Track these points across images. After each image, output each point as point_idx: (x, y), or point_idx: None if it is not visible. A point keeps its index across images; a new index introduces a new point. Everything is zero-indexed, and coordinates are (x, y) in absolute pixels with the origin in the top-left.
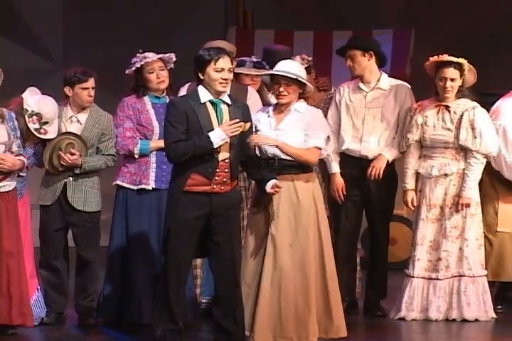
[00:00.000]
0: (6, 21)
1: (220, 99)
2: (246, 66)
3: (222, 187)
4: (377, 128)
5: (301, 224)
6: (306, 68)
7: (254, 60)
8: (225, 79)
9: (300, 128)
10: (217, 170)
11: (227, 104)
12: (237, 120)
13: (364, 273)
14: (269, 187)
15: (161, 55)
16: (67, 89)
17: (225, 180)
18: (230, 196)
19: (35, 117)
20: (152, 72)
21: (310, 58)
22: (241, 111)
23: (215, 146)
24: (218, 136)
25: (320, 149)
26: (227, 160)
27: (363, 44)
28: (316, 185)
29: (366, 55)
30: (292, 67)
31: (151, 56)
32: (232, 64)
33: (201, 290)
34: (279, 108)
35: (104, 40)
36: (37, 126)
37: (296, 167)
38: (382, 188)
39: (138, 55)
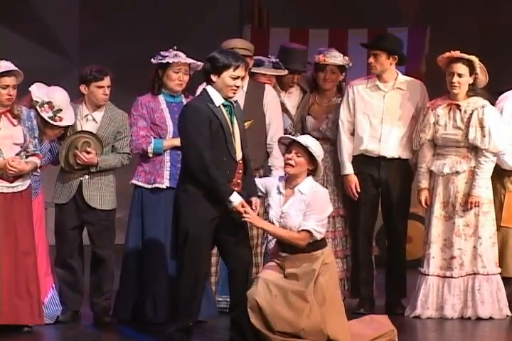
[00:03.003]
0: (23, 20)
1: (229, 101)
2: (265, 66)
3: (237, 188)
4: (395, 128)
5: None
6: (341, 68)
7: (273, 60)
8: (237, 87)
9: (301, 211)
10: (235, 171)
11: (233, 105)
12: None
13: (378, 271)
14: (237, 204)
15: (193, 61)
16: (82, 88)
17: (239, 181)
18: (242, 195)
19: (46, 106)
20: (177, 72)
21: (351, 64)
22: (241, 111)
23: (226, 200)
24: (235, 200)
25: (310, 232)
26: (241, 161)
27: (391, 47)
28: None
29: (391, 58)
30: (310, 141)
31: (183, 57)
32: (246, 70)
33: (217, 288)
34: (289, 182)
35: (120, 39)
36: (50, 114)
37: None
38: (400, 187)
39: (171, 50)
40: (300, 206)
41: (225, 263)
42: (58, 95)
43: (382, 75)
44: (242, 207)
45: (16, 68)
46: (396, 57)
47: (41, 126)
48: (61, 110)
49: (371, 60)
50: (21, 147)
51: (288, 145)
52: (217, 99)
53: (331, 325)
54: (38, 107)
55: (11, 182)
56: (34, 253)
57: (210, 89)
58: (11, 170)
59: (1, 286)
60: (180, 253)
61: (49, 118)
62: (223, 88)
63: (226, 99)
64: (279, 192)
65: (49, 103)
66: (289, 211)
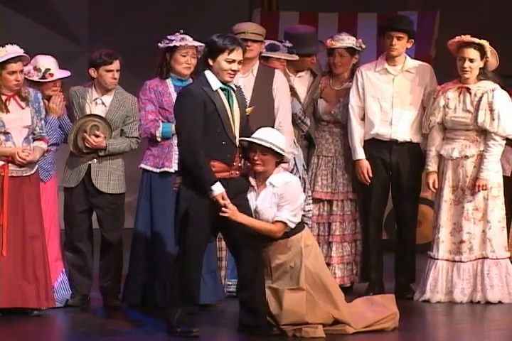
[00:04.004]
0: (33, 5)
1: (228, 85)
2: (281, 51)
3: (237, 172)
4: (406, 111)
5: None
6: (351, 50)
7: (288, 44)
8: (234, 71)
9: (275, 204)
10: (235, 155)
11: (233, 89)
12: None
13: (387, 255)
14: (217, 193)
15: (198, 44)
16: (92, 71)
17: (240, 165)
18: (241, 180)
19: (32, 71)
20: (184, 56)
21: (363, 46)
22: (244, 96)
23: (208, 188)
24: (217, 190)
25: (284, 223)
26: (238, 145)
27: (412, 30)
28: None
29: (409, 41)
30: (271, 136)
31: (190, 40)
32: (242, 56)
33: (226, 272)
34: (259, 177)
35: (129, 23)
36: (40, 75)
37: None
38: (411, 171)
39: (177, 34)
40: (273, 199)
41: (231, 247)
42: (40, 59)
43: (396, 58)
44: (223, 199)
45: (21, 52)
46: (413, 40)
47: (45, 105)
48: (49, 69)
49: (395, 42)
50: (29, 129)
51: (249, 145)
52: (215, 83)
53: (332, 305)
54: (26, 78)
55: (20, 166)
56: (42, 238)
57: (207, 73)
58: (20, 161)
59: (7, 269)
60: (182, 236)
61: (40, 79)
62: (219, 72)
63: (224, 83)
64: (252, 186)
65: (34, 67)
66: (262, 205)
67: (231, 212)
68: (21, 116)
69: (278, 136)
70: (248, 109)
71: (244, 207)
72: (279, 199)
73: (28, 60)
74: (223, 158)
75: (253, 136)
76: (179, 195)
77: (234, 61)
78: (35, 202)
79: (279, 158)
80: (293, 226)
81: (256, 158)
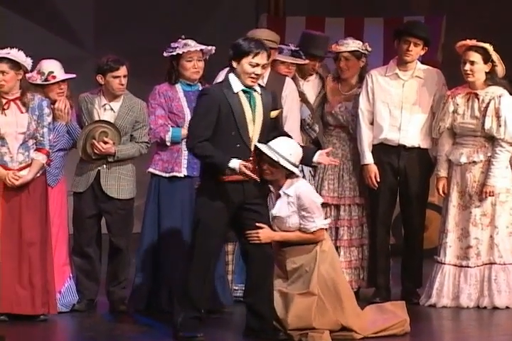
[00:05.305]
0: (38, 9)
1: (252, 88)
2: (284, 54)
3: (255, 175)
4: (415, 116)
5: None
6: (357, 54)
7: (292, 48)
8: (257, 75)
9: (293, 212)
10: (251, 158)
11: (257, 92)
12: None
13: (394, 260)
14: (238, 165)
15: (203, 47)
16: (99, 78)
17: (257, 167)
18: (258, 184)
19: (35, 75)
20: (190, 61)
21: (369, 49)
22: (271, 99)
23: (226, 169)
24: (236, 164)
25: (322, 229)
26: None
27: (429, 38)
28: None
29: (423, 48)
30: (285, 148)
31: (193, 45)
32: (268, 60)
33: (233, 277)
34: (273, 184)
35: (134, 27)
36: (43, 78)
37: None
38: (419, 176)
39: (180, 40)
40: (290, 208)
41: (245, 251)
42: (44, 63)
43: (408, 64)
44: (247, 168)
45: (6, 56)
46: (427, 48)
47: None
48: (52, 71)
49: (411, 47)
50: (25, 136)
51: (261, 153)
52: (236, 86)
53: (342, 312)
54: (29, 81)
55: (18, 171)
56: (41, 245)
57: (231, 75)
58: (10, 185)
59: (2, 276)
60: (192, 240)
61: (43, 81)
62: (242, 75)
63: (248, 86)
64: (271, 191)
65: (37, 71)
66: (280, 214)
67: (263, 235)
68: (17, 121)
69: (292, 149)
70: (273, 112)
71: (262, 215)
72: (301, 210)
73: (18, 64)
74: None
75: (269, 143)
76: (195, 200)
77: (258, 65)
78: (34, 208)
79: (289, 172)
80: (327, 227)
81: (265, 167)
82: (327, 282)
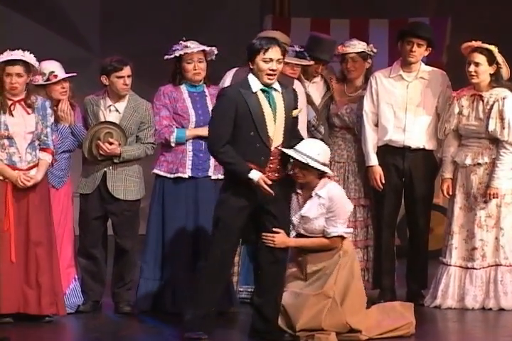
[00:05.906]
0: (43, 10)
1: (271, 87)
2: (288, 55)
3: (277, 174)
4: (420, 118)
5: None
6: (363, 55)
7: (297, 49)
8: (273, 70)
9: (321, 214)
10: (271, 157)
11: (278, 91)
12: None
13: (399, 261)
14: (257, 178)
15: (203, 48)
16: (103, 78)
17: (278, 167)
18: (278, 186)
19: (37, 76)
20: (190, 63)
21: (375, 50)
22: (293, 97)
23: (248, 179)
24: (255, 177)
25: (342, 236)
26: (279, 147)
27: (433, 39)
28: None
29: (427, 49)
30: (313, 149)
31: (192, 47)
32: (282, 55)
33: (238, 278)
34: (305, 186)
35: (140, 29)
36: (44, 78)
37: None
38: (424, 178)
39: (180, 42)
40: (320, 210)
41: (257, 253)
42: (44, 64)
43: (412, 65)
44: (265, 183)
45: (22, 58)
46: (430, 49)
47: (56, 113)
48: (53, 71)
49: (415, 48)
50: (33, 135)
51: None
52: (255, 85)
53: (352, 315)
54: (32, 82)
55: (26, 171)
56: (48, 244)
57: (250, 75)
58: (21, 186)
59: (10, 275)
60: (211, 239)
61: (44, 81)
62: (259, 74)
63: (267, 85)
64: (296, 193)
65: (38, 72)
66: (308, 215)
67: (278, 240)
68: (25, 121)
69: (319, 149)
70: (295, 111)
71: (280, 219)
72: (329, 212)
73: (35, 70)
74: (257, 160)
75: (296, 147)
76: (217, 200)
77: (271, 60)
78: (41, 208)
79: (320, 172)
80: (349, 236)
81: (296, 170)
82: (343, 286)
